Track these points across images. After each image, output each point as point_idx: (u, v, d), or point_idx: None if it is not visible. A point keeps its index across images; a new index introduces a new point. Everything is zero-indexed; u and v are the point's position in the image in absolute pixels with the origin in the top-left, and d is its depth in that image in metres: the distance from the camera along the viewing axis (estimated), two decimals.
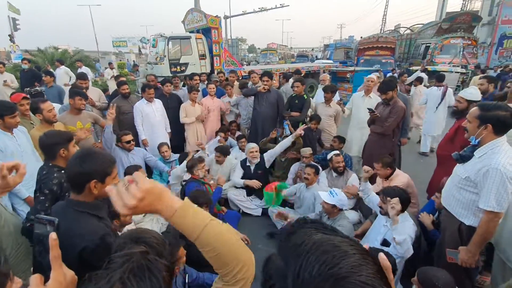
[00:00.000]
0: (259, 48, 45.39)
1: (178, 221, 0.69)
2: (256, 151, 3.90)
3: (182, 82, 6.77)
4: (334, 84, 4.81)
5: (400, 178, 2.98)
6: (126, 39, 33.20)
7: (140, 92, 6.36)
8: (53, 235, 0.61)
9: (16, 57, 13.69)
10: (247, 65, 19.56)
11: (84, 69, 7.94)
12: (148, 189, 0.66)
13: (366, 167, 2.62)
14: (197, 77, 5.69)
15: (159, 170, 3.96)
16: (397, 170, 3.07)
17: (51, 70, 7.50)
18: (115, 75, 8.47)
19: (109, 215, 2.34)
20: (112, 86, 7.88)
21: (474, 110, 1.78)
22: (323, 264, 0.39)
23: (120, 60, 19.88)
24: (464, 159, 1.84)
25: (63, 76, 7.34)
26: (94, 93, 4.54)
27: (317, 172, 3.28)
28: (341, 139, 4.10)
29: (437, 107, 5.28)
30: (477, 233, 1.72)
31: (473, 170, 1.73)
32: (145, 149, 4.38)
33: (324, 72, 11.59)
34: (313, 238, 0.44)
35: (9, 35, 14.32)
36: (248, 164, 3.92)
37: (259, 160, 3.92)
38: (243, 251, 0.72)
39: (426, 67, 10.36)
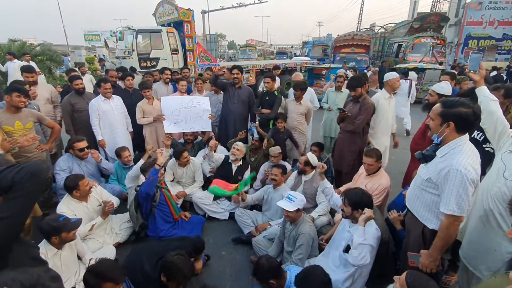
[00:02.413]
0: (239, 45, 44.85)
1: None
2: (238, 150, 3.72)
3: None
4: (304, 81, 4.68)
5: (382, 180, 2.81)
6: (99, 33, 31.56)
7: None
8: None
9: None
10: (221, 60, 19.19)
11: (31, 64, 7.22)
12: None
13: (319, 163, 2.47)
14: (168, 72, 5.27)
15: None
16: (382, 170, 2.93)
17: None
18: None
19: (48, 232, 2.04)
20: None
21: (436, 106, 1.68)
22: None
23: (89, 55, 18.78)
24: (426, 158, 1.74)
25: (17, 71, 6.67)
26: (45, 89, 4.11)
27: (284, 172, 3.14)
28: (321, 146, 3.97)
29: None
30: (438, 237, 1.63)
31: (434, 171, 1.63)
32: (104, 151, 4.04)
33: (301, 69, 11.59)
34: None
35: None
36: (230, 161, 3.73)
37: (242, 165, 3.75)
38: None
39: (416, 65, 11.11)
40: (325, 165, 2.47)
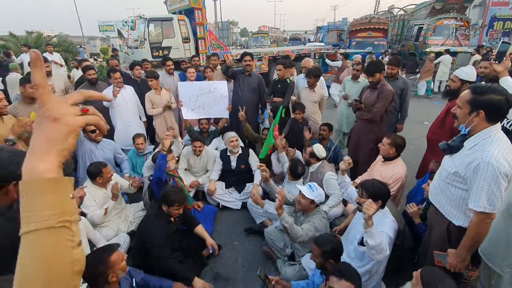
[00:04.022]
0: (251, 32, 44.01)
1: (28, 192, 0.42)
2: (236, 140, 3.66)
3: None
4: (318, 68, 4.48)
5: (397, 169, 2.68)
6: (113, 23, 31.79)
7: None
8: None
9: None
10: (233, 48, 18.87)
11: (55, 55, 7.33)
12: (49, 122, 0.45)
13: (346, 158, 2.37)
14: (169, 63, 5.02)
15: (124, 168, 3.69)
16: (400, 159, 2.79)
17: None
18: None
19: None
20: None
21: (465, 93, 1.52)
22: None
23: (103, 45, 18.98)
24: (452, 149, 1.61)
25: None
26: (59, 80, 4.16)
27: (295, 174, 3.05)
28: (330, 127, 3.85)
29: None
30: (467, 236, 1.52)
31: (462, 163, 1.50)
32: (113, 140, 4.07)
33: (315, 55, 11.20)
34: None
35: None
36: (228, 154, 3.67)
37: (241, 152, 3.67)
38: None
39: (448, 48, 10.71)
40: (350, 161, 2.36)
